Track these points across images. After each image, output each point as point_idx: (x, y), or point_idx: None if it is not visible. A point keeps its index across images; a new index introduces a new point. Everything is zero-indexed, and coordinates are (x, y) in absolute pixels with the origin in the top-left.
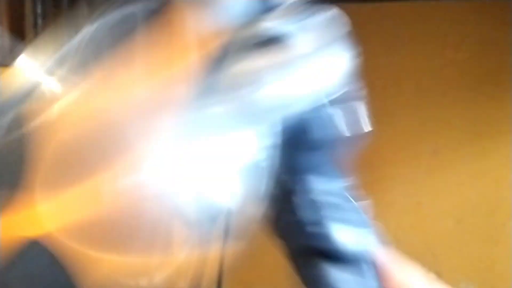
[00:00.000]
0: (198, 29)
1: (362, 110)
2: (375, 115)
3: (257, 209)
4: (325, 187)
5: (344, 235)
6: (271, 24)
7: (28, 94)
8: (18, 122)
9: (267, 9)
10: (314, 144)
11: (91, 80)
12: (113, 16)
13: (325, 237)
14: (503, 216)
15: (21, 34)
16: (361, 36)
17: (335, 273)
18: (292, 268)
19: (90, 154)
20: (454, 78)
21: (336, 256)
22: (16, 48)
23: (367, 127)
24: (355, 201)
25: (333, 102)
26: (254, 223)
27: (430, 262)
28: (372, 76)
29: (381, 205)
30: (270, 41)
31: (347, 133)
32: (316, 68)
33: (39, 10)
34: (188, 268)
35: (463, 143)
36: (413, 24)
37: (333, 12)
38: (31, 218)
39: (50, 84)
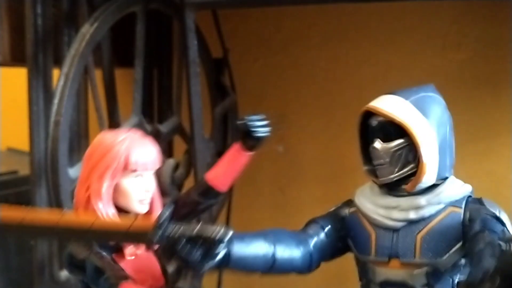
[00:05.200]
0: None
1: None
2: None
3: None
4: None
5: None
6: None
7: None
8: None
9: None
10: None
11: None
12: None
13: None
14: None
15: (21, 34)
16: (361, 36)
17: None
18: None
19: None
20: (454, 78)
21: None
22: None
23: None
24: None
25: None
26: None
27: None
28: (372, 75)
29: None
30: None
31: None
32: None
33: (39, 10)
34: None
35: (463, 144)
36: (413, 24)
37: None
38: None
39: None
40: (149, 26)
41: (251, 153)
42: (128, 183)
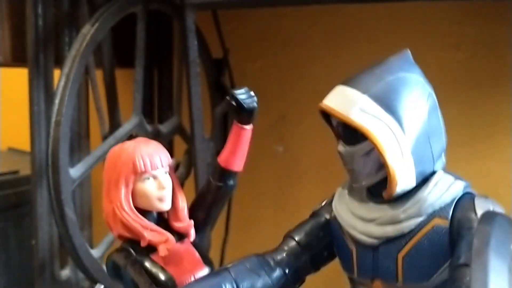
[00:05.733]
0: None
1: None
2: None
3: None
4: None
5: None
6: None
7: None
8: None
9: None
10: None
11: None
12: None
13: None
14: None
15: (22, 35)
16: (360, 36)
17: None
18: None
19: None
20: (454, 78)
21: None
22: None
23: None
24: None
25: None
26: None
27: None
28: None
29: None
30: None
31: None
32: None
33: (40, 11)
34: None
35: (463, 143)
36: (413, 24)
37: None
38: None
39: None
40: (150, 27)
41: (249, 126)
42: (142, 185)
